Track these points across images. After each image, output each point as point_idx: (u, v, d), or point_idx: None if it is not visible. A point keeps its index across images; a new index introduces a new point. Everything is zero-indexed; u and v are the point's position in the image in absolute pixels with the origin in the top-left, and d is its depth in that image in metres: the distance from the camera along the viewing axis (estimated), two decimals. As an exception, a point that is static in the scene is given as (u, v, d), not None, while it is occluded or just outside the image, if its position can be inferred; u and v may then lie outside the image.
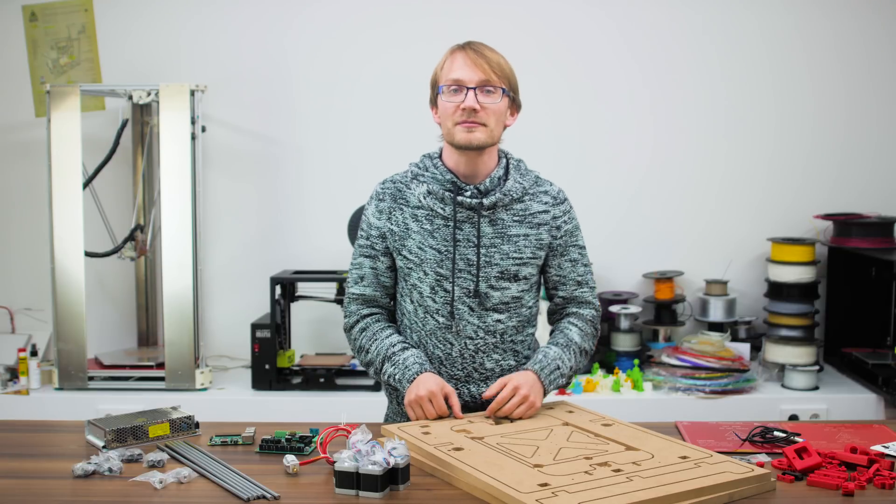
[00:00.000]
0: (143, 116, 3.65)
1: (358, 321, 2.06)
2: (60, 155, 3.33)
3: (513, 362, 2.04)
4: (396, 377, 1.97)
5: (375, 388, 3.35)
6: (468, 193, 1.97)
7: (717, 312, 3.66)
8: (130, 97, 3.42)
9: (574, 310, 2.09)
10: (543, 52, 3.70)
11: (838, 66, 3.73)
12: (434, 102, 2.02)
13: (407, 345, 2.00)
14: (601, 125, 3.76)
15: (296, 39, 3.73)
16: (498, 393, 1.91)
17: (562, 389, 3.32)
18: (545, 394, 1.97)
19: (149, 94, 3.39)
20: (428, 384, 1.90)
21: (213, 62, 3.72)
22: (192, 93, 3.34)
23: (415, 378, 1.93)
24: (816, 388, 3.38)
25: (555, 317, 2.13)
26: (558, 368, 1.99)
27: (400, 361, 1.97)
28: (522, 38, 3.66)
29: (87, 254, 3.40)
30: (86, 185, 3.41)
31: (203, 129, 3.39)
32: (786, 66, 3.73)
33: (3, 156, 3.78)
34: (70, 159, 3.33)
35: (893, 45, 3.73)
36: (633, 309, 3.60)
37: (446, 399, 1.90)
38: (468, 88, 1.92)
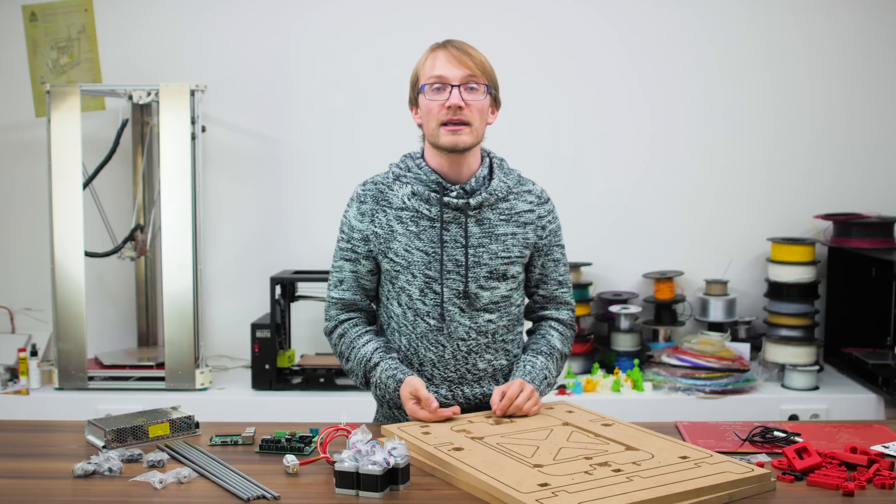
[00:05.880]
0: (143, 116, 3.65)
1: (336, 326, 2.05)
2: (60, 155, 3.33)
3: (504, 361, 2.04)
4: (380, 396, 2.02)
5: (375, 388, 3.35)
6: (454, 194, 1.96)
7: (717, 312, 3.66)
8: (130, 97, 3.42)
9: (553, 312, 2.11)
10: (543, 52, 3.69)
11: (838, 66, 3.73)
12: (414, 102, 1.99)
13: (382, 354, 1.99)
14: (600, 124, 3.75)
15: (296, 39, 3.73)
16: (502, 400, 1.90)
17: (562, 389, 3.33)
18: None
19: (149, 94, 3.39)
20: (403, 396, 1.92)
21: (214, 62, 3.72)
22: (192, 93, 3.34)
23: (398, 389, 1.94)
24: (816, 388, 3.38)
25: (533, 315, 2.14)
26: (546, 378, 2.02)
27: (381, 381, 1.97)
28: (521, 39, 3.65)
29: (87, 254, 3.40)
30: (86, 185, 3.41)
31: (203, 129, 3.39)
32: (785, 66, 3.73)
33: (3, 156, 3.78)
34: (70, 159, 3.33)
35: (893, 45, 3.73)
36: (633, 309, 3.59)
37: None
38: (452, 86, 1.90)
